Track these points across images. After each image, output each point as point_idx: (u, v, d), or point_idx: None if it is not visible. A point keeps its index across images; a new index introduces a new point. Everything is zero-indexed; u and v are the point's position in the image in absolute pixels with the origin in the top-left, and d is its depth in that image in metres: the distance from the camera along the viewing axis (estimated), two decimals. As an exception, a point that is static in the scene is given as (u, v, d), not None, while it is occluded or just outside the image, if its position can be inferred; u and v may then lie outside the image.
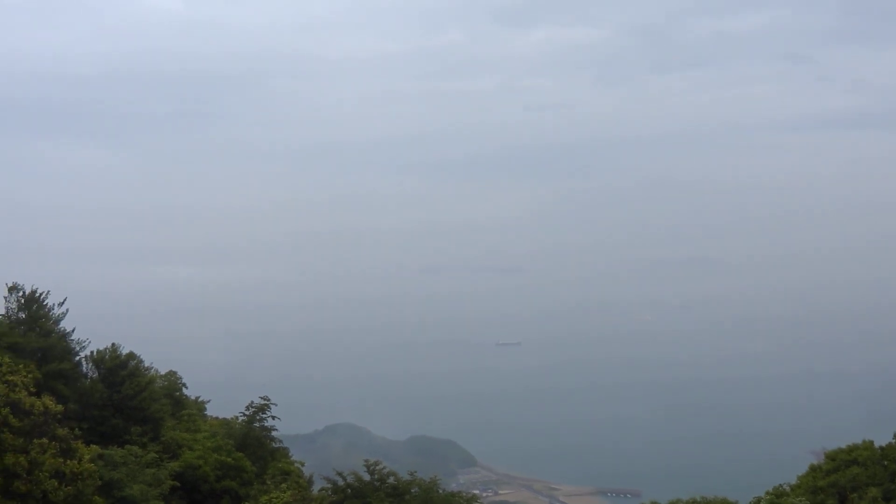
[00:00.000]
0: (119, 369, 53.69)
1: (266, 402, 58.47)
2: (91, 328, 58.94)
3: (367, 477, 61.27)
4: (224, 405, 71.55)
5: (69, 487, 39.98)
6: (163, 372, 62.08)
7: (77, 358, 54.03)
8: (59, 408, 43.07)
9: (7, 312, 52.84)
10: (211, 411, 68.72)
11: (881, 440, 56.43)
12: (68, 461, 40.65)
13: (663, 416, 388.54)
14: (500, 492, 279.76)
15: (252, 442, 57.25)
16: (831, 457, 57.32)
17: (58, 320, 53.91)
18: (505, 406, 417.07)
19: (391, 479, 61.51)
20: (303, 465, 61.15)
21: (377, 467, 62.37)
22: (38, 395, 43.00)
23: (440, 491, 63.72)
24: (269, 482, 49.86)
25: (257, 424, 58.43)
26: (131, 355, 55.27)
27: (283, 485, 48.68)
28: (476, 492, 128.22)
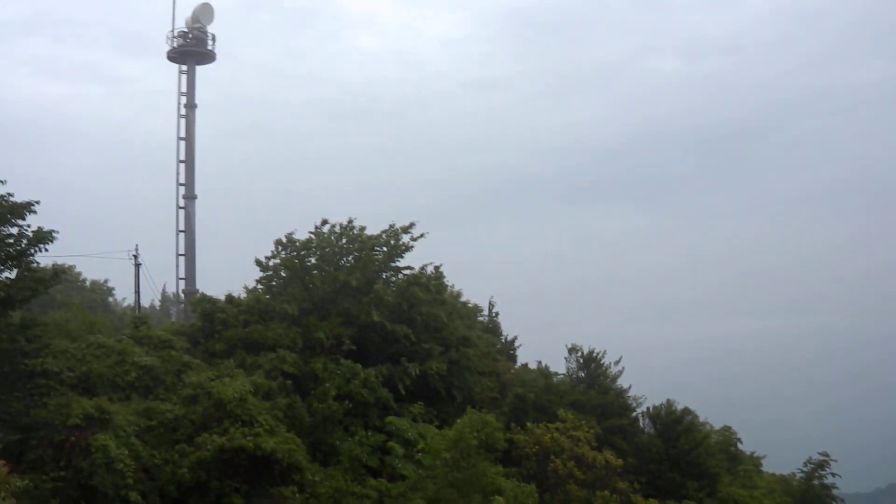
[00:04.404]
0: (675, 424, 54.30)
1: (825, 457, 55.58)
2: (646, 384, 60.61)
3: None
4: (781, 461, 69.01)
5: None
6: (717, 427, 61.68)
7: (634, 413, 55.72)
8: (619, 461, 44.89)
9: (568, 372, 56.29)
10: (767, 467, 66.66)
11: None
12: (629, 513, 42.07)
13: None
14: None
15: (811, 500, 54.68)
16: None
17: (615, 378, 56.14)
18: None
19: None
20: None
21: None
22: (599, 449, 45.27)
23: None
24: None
25: (816, 482, 55.69)
26: (686, 410, 55.64)
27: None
28: None
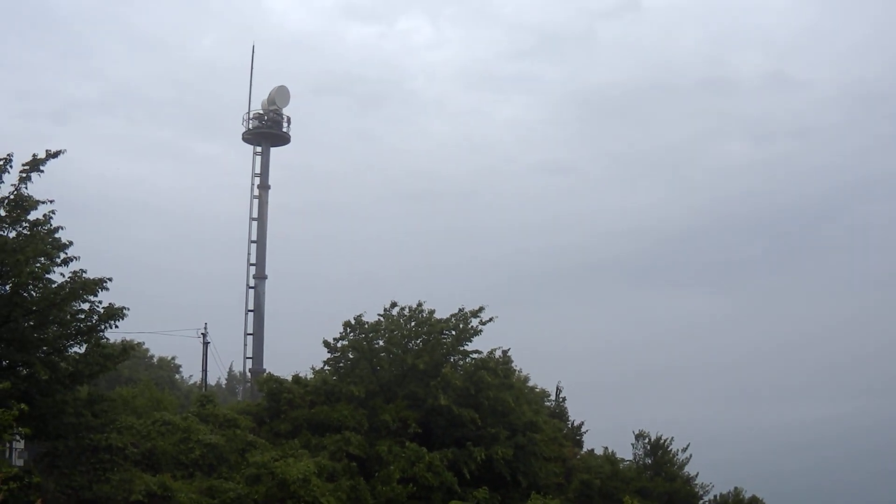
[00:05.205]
0: (742, 512, 53.51)
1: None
2: (715, 471, 59.43)
3: None
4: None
5: None
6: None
7: (701, 502, 54.75)
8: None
9: (635, 458, 55.38)
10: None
11: None
12: None
13: None
14: None
15: None
16: None
17: (682, 465, 55.21)
18: None
19: None
20: None
21: None
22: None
23: None
24: None
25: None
26: (754, 499, 54.84)
27: None
28: None
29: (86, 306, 31.19)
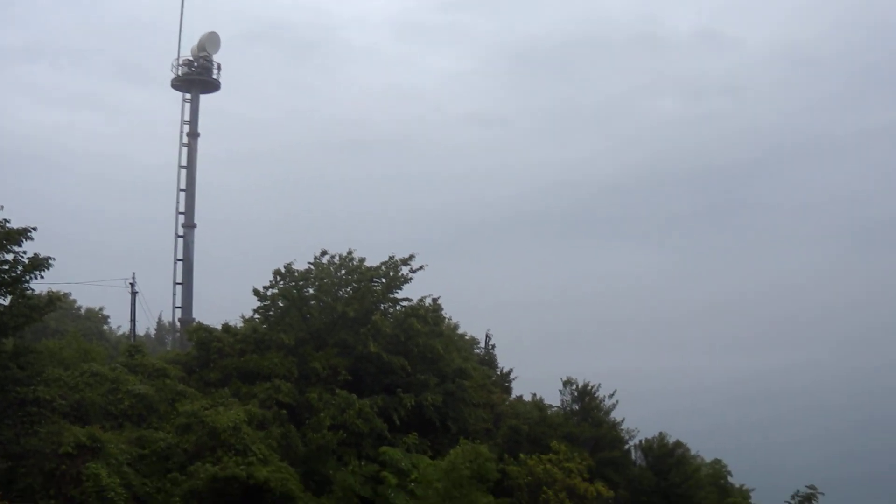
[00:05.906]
0: (666, 457, 54.61)
1: (812, 491, 54.91)
2: (641, 419, 60.73)
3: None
4: (770, 493, 68.32)
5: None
6: (708, 460, 61.71)
7: (627, 446, 55.92)
8: (610, 493, 44.96)
9: (562, 404, 56.34)
10: (756, 499, 66.12)
11: None
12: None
13: None
14: None
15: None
16: None
17: (608, 411, 56.27)
18: None
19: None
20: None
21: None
22: (591, 481, 45.29)
23: None
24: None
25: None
26: (678, 444, 55.97)
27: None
28: None
29: (10, 257, 30.80)
